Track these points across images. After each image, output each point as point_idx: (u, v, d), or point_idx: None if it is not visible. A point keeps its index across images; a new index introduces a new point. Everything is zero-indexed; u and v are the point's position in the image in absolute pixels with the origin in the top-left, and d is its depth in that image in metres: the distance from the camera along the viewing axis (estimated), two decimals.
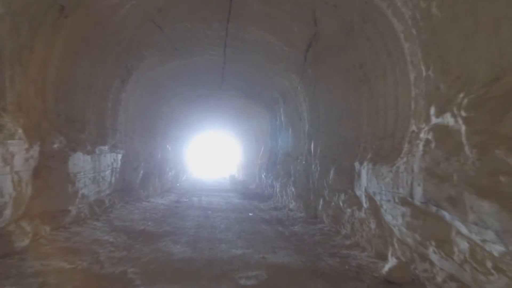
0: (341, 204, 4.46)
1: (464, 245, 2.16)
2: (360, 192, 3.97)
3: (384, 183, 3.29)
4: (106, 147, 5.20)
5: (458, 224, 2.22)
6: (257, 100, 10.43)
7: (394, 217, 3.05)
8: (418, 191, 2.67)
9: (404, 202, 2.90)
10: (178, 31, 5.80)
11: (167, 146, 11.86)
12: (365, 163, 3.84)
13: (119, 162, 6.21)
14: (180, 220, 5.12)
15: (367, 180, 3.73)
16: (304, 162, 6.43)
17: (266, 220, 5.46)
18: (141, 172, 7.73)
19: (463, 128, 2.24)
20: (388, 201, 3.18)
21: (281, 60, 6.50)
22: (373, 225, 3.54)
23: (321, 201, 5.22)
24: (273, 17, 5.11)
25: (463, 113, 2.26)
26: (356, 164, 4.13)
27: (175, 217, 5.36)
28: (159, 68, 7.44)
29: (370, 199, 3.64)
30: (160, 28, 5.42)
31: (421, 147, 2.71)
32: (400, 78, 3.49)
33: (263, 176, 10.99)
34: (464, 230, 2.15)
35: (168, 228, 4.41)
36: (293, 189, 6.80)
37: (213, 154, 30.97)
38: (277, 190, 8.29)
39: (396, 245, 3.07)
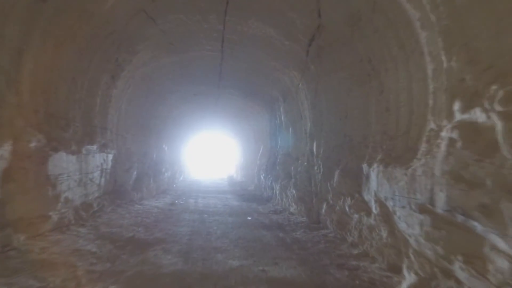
0: (347, 208, 4.12)
1: (502, 263, 1.83)
2: (369, 197, 3.64)
3: (398, 187, 2.96)
4: (94, 147, 4.85)
5: (493, 238, 1.89)
6: (256, 99, 10.10)
7: (410, 225, 2.72)
8: (441, 198, 2.34)
9: (422, 209, 2.57)
10: (172, 24, 5.46)
11: (163, 146, 11.51)
12: (374, 165, 3.51)
13: (110, 163, 5.85)
14: (174, 225, 4.77)
15: (377, 183, 3.40)
16: (305, 163, 6.10)
17: (266, 225, 5.12)
18: (135, 173, 7.38)
19: (498, 124, 1.91)
20: (403, 207, 2.85)
21: (282, 56, 6.18)
22: (384, 233, 3.21)
23: (324, 205, 4.89)
24: (273, 8, 4.79)
25: (497, 108, 1.94)
26: (364, 166, 3.80)
27: (168, 222, 5.01)
28: (154, 64, 7.09)
29: (381, 204, 3.31)
30: (152, 19, 5.08)
31: (443, 147, 2.39)
32: (414, 72, 3.17)
33: (262, 177, 10.66)
34: (502, 245, 1.82)
35: (159, 235, 4.06)
36: (294, 192, 6.47)
37: (211, 155, 30.62)
38: (277, 192, 7.95)
39: (412, 257, 2.74)
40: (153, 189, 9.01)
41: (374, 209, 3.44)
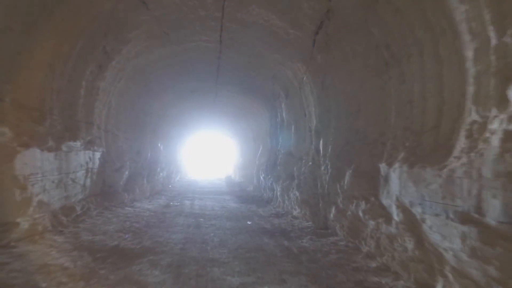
0: (360, 214, 3.65)
1: None
2: (388, 201, 3.17)
3: (429, 191, 2.49)
4: (78, 144, 4.34)
5: None
6: (256, 96, 9.61)
7: (447, 238, 2.24)
8: (494, 205, 1.87)
9: (465, 219, 2.09)
10: (166, 10, 4.96)
11: (159, 144, 10.99)
12: (396, 165, 3.03)
13: (97, 162, 5.35)
14: (166, 231, 4.27)
15: (399, 186, 2.92)
16: (310, 163, 5.62)
17: (268, 230, 4.64)
18: (126, 173, 6.87)
19: None
20: (436, 215, 2.37)
21: (285, 46, 5.69)
22: (409, 245, 2.73)
23: (333, 209, 4.41)
24: None
25: None
26: (382, 165, 3.33)
27: (160, 227, 4.51)
28: (147, 56, 6.58)
29: (405, 210, 2.84)
30: (144, 3, 4.57)
31: (495, 142, 1.92)
32: (446, 55, 2.70)
33: (261, 177, 10.17)
34: None
35: (148, 244, 3.56)
36: (297, 194, 5.99)
37: (209, 155, 30.10)
38: (278, 193, 7.47)
39: (450, 276, 2.26)
40: (147, 190, 8.49)
41: (396, 215, 2.97)
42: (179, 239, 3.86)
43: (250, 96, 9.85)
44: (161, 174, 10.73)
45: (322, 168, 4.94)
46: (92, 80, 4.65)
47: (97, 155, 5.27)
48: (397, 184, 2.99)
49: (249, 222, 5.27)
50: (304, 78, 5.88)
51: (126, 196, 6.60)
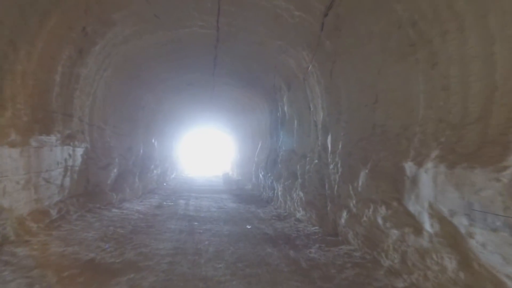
0: (379, 221, 3.12)
1: None
2: (417, 208, 2.63)
3: (480, 198, 1.96)
4: (52, 138, 3.76)
5: None
6: (255, 89, 9.04)
7: None
8: None
9: None
10: None
11: (152, 140, 10.40)
12: (428, 164, 2.50)
13: (79, 159, 4.77)
14: (154, 238, 3.72)
15: (434, 190, 2.39)
16: (316, 161, 5.08)
17: (270, 237, 4.10)
18: (115, 170, 6.28)
19: None
20: (493, 230, 1.84)
21: (289, 32, 5.12)
22: (450, 264, 2.20)
23: (344, 214, 3.87)
24: None
25: None
26: (408, 165, 2.79)
27: (148, 233, 3.96)
28: (137, 43, 5.97)
29: (442, 220, 2.31)
30: None
31: None
32: (497, 29, 2.16)
33: (261, 175, 9.63)
34: None
35: (131, 256, 3.01)
36: (301, 194, 5.46)
37: (205, 151, 29.50)
38: (279, 193, 6.94)
39: None
40: (139, 189, 7.92)
41: (429, 226, 2.44)
42: (169, 249, 3.31)
43: (249, 89, 9.27)
44: (155, 171, 10.15)
45: (331, 166, 4.40)
46: (71, 66, 4.05)
47: (79, 151, 4.69)
48: (430, 187, 2.45)
49: (248, 226, 4.73)
50: (310, 68, 5.31)
51: (114, 196, 6.02)
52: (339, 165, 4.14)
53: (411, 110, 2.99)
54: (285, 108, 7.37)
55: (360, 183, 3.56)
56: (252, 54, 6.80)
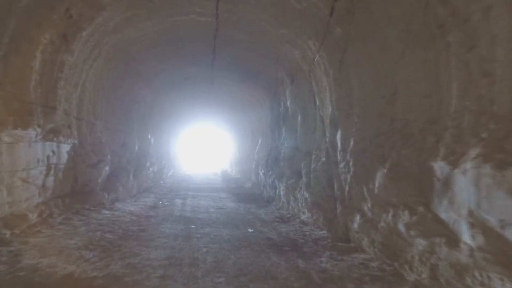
0: (401, 228, 2.73)
1: None
2: (452, 215, 2.24)
3: None
4: (31, 132, 3.33)
5: None
6: (256, 83, 8.61)
7: None
8: None
9: None
10: None
11: (148, 136, 9.96)
12: (467, 164, 2.10)
13: (66, 156, 4.34)
14: (146, 245, 3.31)
15: (477, 195, 2.00)
16: (323, 159, 4.68)
17: (274, 243, 3.71)
18: (106, 168, 5.86)
19: None
20: None
21: (294, 19, 4.69)
22: (502, 286, 1.81)
23: (357, 218, 3.48)
24: None
25: None
26: (439, 164, 2.40)
27: (139, 239, 3.55)
28: (130, 31, 5.53)
29: (488, 232, 1.92)
30: None
31: None
32: None
33: (261, 173, 9.23)
34: None
35: (117, 268, 2.60)
36: (306, 195, 5.07)
37: (204, 148, 29.06)
38: (281, 193, 6.55)
39: None
40: (133, 188, 7.50)
41: (470, 238, 2.05)
42: (161, 259, 2.90)
43: (249, 83, 8.84)
44: (151, 169, 9.72)
45: (341, 165, 4.00)
46: (53, 52, 3.61)
47: (65, 147, 4.26)
48: (470, 192, 2.06)
49: (250, 230, 4.34)
50: (316, 58, 4.89)
51: (106, 196, 5.61)
52: (350, 164, 3.74)
53: (439, 102, 2.59)
54: (288, 103, 6.95)
55: (376, 184, 3.17)
56: (253, 45, 6.37)
